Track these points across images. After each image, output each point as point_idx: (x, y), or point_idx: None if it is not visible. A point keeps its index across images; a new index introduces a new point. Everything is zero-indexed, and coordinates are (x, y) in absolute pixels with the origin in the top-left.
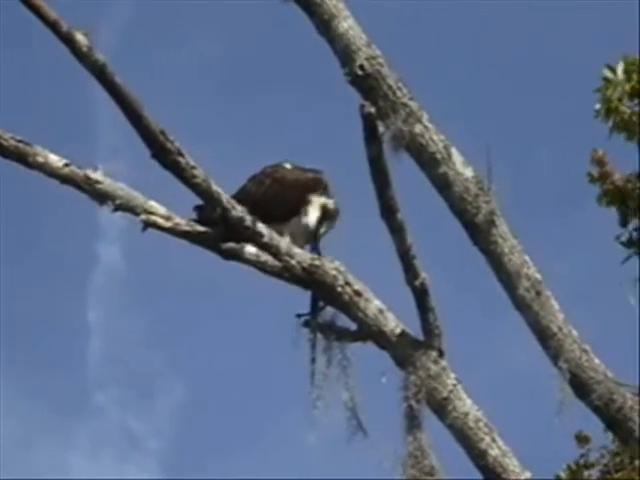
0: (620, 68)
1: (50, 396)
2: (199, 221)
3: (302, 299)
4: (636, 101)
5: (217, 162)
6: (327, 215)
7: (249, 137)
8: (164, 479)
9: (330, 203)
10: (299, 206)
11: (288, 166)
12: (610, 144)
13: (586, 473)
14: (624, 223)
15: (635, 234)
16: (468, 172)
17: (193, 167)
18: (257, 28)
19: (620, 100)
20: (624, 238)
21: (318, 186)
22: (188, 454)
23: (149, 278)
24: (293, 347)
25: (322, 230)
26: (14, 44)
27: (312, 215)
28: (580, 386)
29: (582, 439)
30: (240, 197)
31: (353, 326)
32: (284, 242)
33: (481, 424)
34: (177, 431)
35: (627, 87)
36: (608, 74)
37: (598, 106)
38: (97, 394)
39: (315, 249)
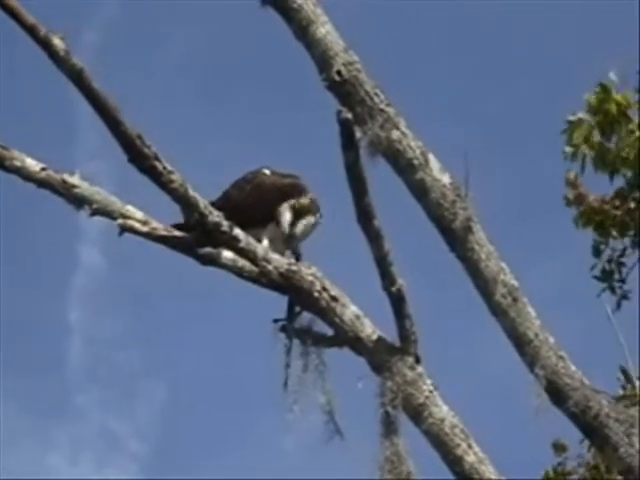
0: (582, 112)
1: (30, 398)
2: (186, 223)
3: (280, 303)
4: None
5: (200, 161)
6: (300, 212)
7: (231, 137)
8: (146, 479)
9: (298, 201)
10: (276, 212)
11: (267, 172)
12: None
13: None
14: (597, 253)
15: (607, 266)
16: (445, 178)
17: (170, 172)
18: (240, 28)
19: (587, 140)
20: (597, 271)
21: (295, 191)
22: (169, 456)
23: (130, 279)
24: (271, 352)
25: (299, 230)
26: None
27: (284, 220)
28: (556, 393)
29: (559, 447)
30: (221, 203)
31: (330, 331)
32: (261, 247)
33: (457, 430)
34: (158, 433)
35: (593, 122)
36: (572, 118)
37: (567, 149)
38: (78, 396)
39: (295, 251)
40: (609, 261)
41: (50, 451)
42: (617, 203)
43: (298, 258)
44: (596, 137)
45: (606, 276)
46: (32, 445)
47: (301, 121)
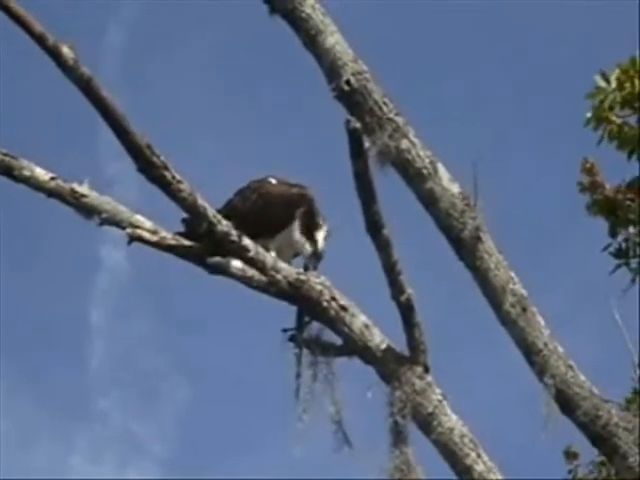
0: (614, 76)
1: (52, 399)
2: (186, 234)
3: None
4: (628, 110)
5: (216, 160)
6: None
7: (238, 143)
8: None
9: (318, 222)
10: (285, 222)
11: (273, 181)
12: (599, 153)
13: None
14: (613, 234)
15: (624, 245)
16: (454, 188)
17: (179, 181)
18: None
19: (611, 109)
20: (613, 249)
21: (303, 201)
22: (190, 458)
23: (152, 280)
24: (280, 361)
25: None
26: (16, 54)
27: (320, 240)
28: (566, 402)
29: (571, 455)
30: (226, 212)
31: (339, 341)
32: (270, 257)
33: (466, 439)
34: (180, 435)
35: (619, 96)
36: (601, 82)
37: (589, 114)
38: (99, 397)
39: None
40: (626, 240)
41: (71, 453)
42: (630, 195)
43: (311, 267)
44: (618, 114)
45: (622, 254)
46: (53, 446)
47: (310, 129)
